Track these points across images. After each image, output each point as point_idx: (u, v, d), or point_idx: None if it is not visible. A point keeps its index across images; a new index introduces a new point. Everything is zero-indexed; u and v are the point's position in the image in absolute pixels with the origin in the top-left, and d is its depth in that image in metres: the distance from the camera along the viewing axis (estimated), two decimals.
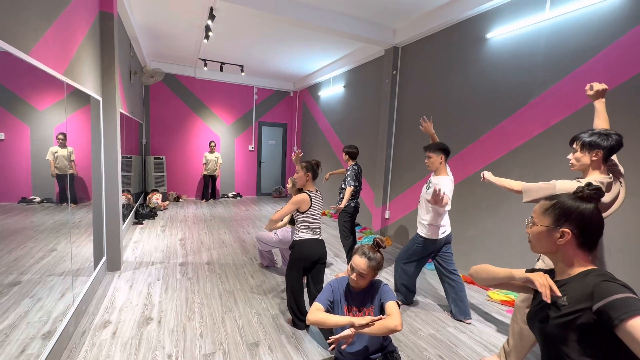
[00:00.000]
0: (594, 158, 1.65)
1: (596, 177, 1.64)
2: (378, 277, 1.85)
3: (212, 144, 7.36)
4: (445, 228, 2.63)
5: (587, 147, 1.66)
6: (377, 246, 1.76)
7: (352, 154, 3.56)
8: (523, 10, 3.06)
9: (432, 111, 4.15)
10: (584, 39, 2.61)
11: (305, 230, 2.46)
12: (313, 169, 2.52)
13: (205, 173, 7.37)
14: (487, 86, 3.43)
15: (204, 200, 7.51)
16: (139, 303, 2.70)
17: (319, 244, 2.48)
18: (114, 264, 3.33)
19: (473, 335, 2.47)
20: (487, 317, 2.75)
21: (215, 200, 7.67)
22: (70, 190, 2.36)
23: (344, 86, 6.30)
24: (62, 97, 2.16)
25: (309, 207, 2.43)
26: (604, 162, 1.66)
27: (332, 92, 6.79)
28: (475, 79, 3.57)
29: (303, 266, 2.42)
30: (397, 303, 1.69)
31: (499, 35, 3.28)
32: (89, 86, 2.70)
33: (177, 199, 7.41)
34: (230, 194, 8.15)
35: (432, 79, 4.15)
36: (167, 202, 6.69)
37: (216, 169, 7.40)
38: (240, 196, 8.27)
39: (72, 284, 2.33)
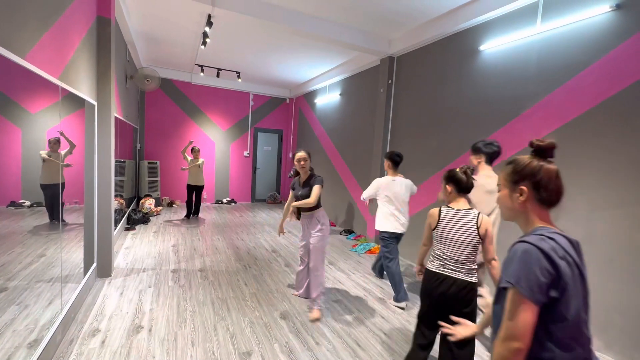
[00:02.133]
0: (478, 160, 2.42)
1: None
2: None
3: (196, 149, 6.04)
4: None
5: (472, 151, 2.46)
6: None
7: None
8: (515, 24, 3.13)
9: (426, 120, 4.20)
10: (574, 53, 2.68)
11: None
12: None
13: (190, 183, 6.04)
14: (480, 97, 3.49)
15: (186, 217, 6.15)
16: (130, 311, 2.65)
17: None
18: (105, 271, 3.27)
19: None
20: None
21: (197, 217, 6.27)
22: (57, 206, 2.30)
23: (340, 94, 6.36)
24: (56, 101, 2.15)
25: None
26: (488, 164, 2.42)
27: (328, 99, 6.84)
28: (468, 89, 3.63)
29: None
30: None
31: (492, 47, 3.36)
32: (84, 90, 2.69)
33: (170, 204, 7.34)
34: (224, 200, 8.10)
35: (427, 89, 4.21)
36: (160, 208, 6.61)
37: (199, 176, 6.03)
38: (235, 202, 8.22)
39: (61, 290, 2.28)
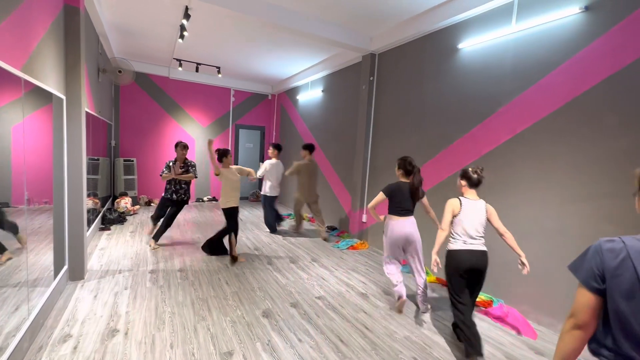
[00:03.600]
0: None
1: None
2: None
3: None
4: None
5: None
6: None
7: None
8: (492, 23, 3.21)
9: (407, 117, 4.26)
10: (547, 52, 2.78)
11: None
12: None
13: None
14: (459, 94, 3.56)
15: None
16: (104, 314, 2.55)
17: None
18: (77, 273, 3.12)
19: (447, 336, 2.53)
20: None
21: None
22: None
23: (322, 91, 6.34)
24: (20, 95, 2.01)
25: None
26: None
27: (310, 96, 6.81)
28: (447, 86, 3.70)
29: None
30: None
31: (470, 46, 3.43)
32: (51, 83, 2.54)
33: (148, 203, 7.10)
34: (205, 198, 7.93)
35: (408, 86, 4.26)
36: (137, 207, 6.39)
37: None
38: (216, 200, 8.06)
39: (28, 295, 2.16)
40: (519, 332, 2.61)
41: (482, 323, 2.73)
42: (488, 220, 2.34)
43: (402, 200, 2.85)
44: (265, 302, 2.92)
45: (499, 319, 2.79)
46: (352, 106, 5.39)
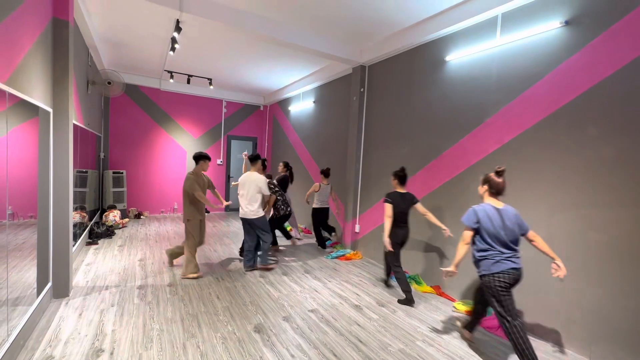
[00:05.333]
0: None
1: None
2: None
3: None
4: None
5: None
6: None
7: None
8: (477, 36, 3.31)
9: (398, 127, 4.31)
10: (530, 64, 2.86)
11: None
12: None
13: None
14: (447, 105, 3.63)
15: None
16: (89, 333, 2.46)
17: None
18: (61, 290, 3.02)
19: (441, 347, 2.51)
20: (454, 328, 2.81)
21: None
22: None
23: (314, 102, 6.39)
24: (4, 109, 1.98)
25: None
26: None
27: (302, 107, 6.85)
28: (436, 98, 3.76)
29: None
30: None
31: (457, 58, 3.51)
32: (37, 96, 2.50)
33: (138, 216, 6.97)
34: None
35: (398, 97, 4.33)
36: (126, 220, 6.27)
37: None
38: (208, 212, 7.96)
39: (8, 315, 2.07)
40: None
41: (474, 334, 2.72)
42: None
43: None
44: (257, 316, 2.86)
45: (492, 328, 2.78)
46: (343, 117, 5.44)
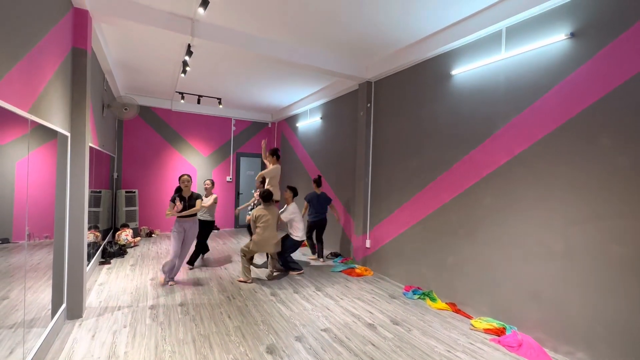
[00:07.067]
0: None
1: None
2: None
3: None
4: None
5: None
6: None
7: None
8: (482, 50, 3.34)
9: (406, 142, 4.31)
10: (538, 76, 2.86)
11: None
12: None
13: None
14: (455, 118, 3.63)
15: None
16: (102, 355, 2.45)
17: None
18: (75, 311, 3.04)
19: None
20: (472, 348, 2.71)
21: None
22: None
23: (321, 118, 6.47)
24: (25, 133, 2.06)
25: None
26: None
27: (309, 123, 6.94)
28: (443, 111, 3.78)
29: None
30: None
31: (463, 72, 3.54)
32: (57, 122, 2.60)
33: (149, 234, 7.04)
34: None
35: (405, 112, 4.36)
36: (138, 238, 6.33)
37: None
38: (218, 229, 8.00)
39: (24, 337, 2.09)
40: None
41: (495, 353, 2.61)
42: None
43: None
44: (269, 336, 2.81)
45: (514, 347, 2.67)
46: (351, 132, 5.48)
